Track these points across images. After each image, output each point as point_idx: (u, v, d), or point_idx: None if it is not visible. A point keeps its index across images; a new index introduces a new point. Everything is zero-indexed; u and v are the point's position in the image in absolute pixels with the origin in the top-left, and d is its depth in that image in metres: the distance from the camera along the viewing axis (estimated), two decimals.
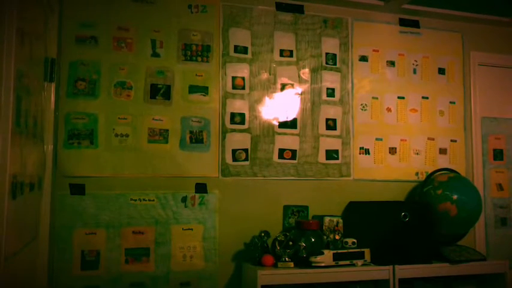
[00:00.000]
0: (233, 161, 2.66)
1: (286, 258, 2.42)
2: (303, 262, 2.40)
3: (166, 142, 2.56)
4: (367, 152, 2.90)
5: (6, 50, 1.46)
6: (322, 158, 2.81)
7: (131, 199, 2.48)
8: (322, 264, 2.37)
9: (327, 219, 2.63)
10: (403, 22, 3.09)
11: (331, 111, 2.86)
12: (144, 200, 2.50)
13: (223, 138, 2.66)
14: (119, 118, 2.51)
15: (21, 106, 1.68)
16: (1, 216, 1.35)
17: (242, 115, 2.70)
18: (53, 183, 2.35)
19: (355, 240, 2.54)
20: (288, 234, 2.49)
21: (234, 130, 2.68)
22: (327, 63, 2.89)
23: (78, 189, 2.42)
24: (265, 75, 2.76)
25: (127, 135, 2.51)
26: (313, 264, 2.37)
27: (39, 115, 2.12)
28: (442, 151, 3.05)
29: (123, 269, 2.43)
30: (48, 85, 2.34)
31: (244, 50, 2.74)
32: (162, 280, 2.48)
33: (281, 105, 2.77)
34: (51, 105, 2.37)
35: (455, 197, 2.67)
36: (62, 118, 2.43)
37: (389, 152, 2.95)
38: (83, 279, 2.38)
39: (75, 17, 2.48)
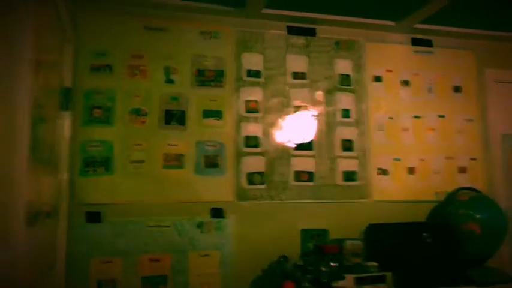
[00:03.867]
0: (249, 184, 2.63)
1: (307, 284, 2.34)
2: (324, 287, 2.33)
3: (182, 167, 2.55)
4: (385, 172, 2.85)
5: (23, 79, 1.47)
6: (339, 179, 2.76)
7: (148, 226, 2.46)
8: None
9: (347, 242, 2.57)
10: (415, 42, 3.08)
11: (347, 132, 2.83)
12: (160, 226, 2.47)
13: (239, 161, 2.63)
14: (134, 144, 2.51)
15: (37, 135, 1.69)
16: (17, 244, 1.33)
17: (257, 138, 2.68)
18: (69, 212, 2.34)
19: (376, 264, 2.47)
20: (307, 258, 2.43)
21: (249, 153, 2.66)
22: (340, 84, 2.87)
23: (94, 217, 2.40)
24: (278, 98, 2.75)
25: (142, 161, 2.50)
26: None
27: (55, 143, 2.12)
28: (462, 170, 2.99)
29: None
30: (64, 114, 2.36)
31: (257, 74, 2.74)
32: None
33: (296, 127, 2.75)
34: (67, 133, 2.39)
35: (478, 216, 2.60)
36: (77, 146, 2.43)
37: (408, 172, 2.89)
38: None
39: (90, 46, 2.52)
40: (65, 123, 2.38)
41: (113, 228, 2.41)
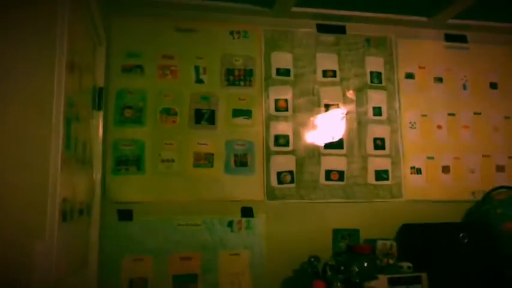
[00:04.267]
0: (278, 183, 2.61)
1: (339, 284, 2.30)
2: (356, 287, 2.29)
3: (212, 166, 2.55)
4: (418, 171, 2.78)
5: (57, 79, 1.50)
6: (371, 178, 2.71)
7: (178, 224, 2.47)
8: None
9: (379, 242, 2.51)
10: (449, 37, 3.00)
11: (379, 131, 2.77)
12: (190, 225, 2.48)
13: (268, 160, 2.62)
14: (165, 144, 2.53)
15: (70, 133, 1.72)
16: (52, 238, 1.35)
17: (286, 137, 2.66)
18: (101, 210, 2.37)
19: (410, 265, 2.40)
20: (339, 258, 2.39)
21: (278, 152, 2.64)
22: (371, 82, 2.82)
23: (125, 215, 2.43)
24: (308, 97, 2.72)
25: (173, 160, 2.52)
26: None
27: (88, 142, 2.16)
28: (500, 168, 2.88)
29: None
30: (96, 113, 2.41)
31: (287, 73, 2.73)
32: None
33: (326, 125, 2.71)
34: (99, 132, 2.43)
35: None
36: (109, 145, 2.47)
37: (442, 171, 2.81)
38: None
39: (122, 48, 2.56)
40: (98, 123, 2.42)
41: (144, 227, 2.43)
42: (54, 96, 1.47)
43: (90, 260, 2.22)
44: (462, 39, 3.01)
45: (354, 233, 2.63)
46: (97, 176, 2.38)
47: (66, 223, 1.57)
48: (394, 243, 2.52)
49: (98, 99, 2.41)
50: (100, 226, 2.35)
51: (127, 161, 2.48)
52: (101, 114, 2.44)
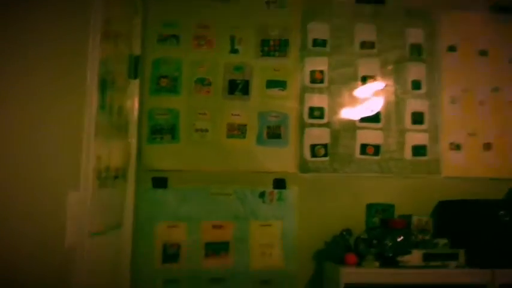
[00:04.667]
0: (312, 156, 2.58)
1: (371, 257, 2.27)
2: (388, 262, 2.24)
3: (244, 137, 2.55)
4: (458, 147, 2.68)
5: (92, 43, 1.52)
6: (408, 153, 2.64)
7: (211, 193, 2.49)
8: (410, 264, 2.19)
9: (415, 218, 2.45)
10: (494, 9, 2.85)
11: (418, 105, 2.69)
12: (223, 194, 2.49)
13: (302, 133, 2.59)
14: (199, 113, 2.54)
15: (105, 97, 1.74)
16: (86, 191, 1.38)
17: (321, 109, 2.62)
18: (136, 177, 2.42)
19: (446, 241, 2.34)
20: (372, 232, 2.35)
21: (312, 125, 2.61)
22: (411, 54, 2.73)
23: (160, 182, 2.47)
24: (345, 69, 2.66)
25: (207, 130, 2.53)
26: (400, 264, 2.20)
27: (123, 109, 2.19)
28: None
29: (203, 263, 2.43)
30: (132, 82, 2.43)
31: (323, 43, 2.67)
32: (242, 277, 2.44)
33: (363, 98, 2.65)
34: (135, 101, 2.46)
35: None
36: (145, 114, 2.50)
37: (484, 148, 2.70)
38: (164, 272, 2.40)
39: (158, 17, 2.57)
40: (134, 92, 2.45)
41: (178, 194, 2.46)
42: (88, 60, 1.49)
43: (125, 223, 2.27)
44: (509, 10, 2.86)
45: (388, 209, 2.58)
46: (132, 143, 2.42)
47: (100, 180, 1.61)
48: (430, 219, 2.46)
49: (134, 68, 2.44)
50: (135, 192, 2.40)
51: (162, 130, 2.51)
52: (136, 83, 2.48)
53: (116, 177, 2.04)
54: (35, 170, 1.07)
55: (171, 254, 2.42)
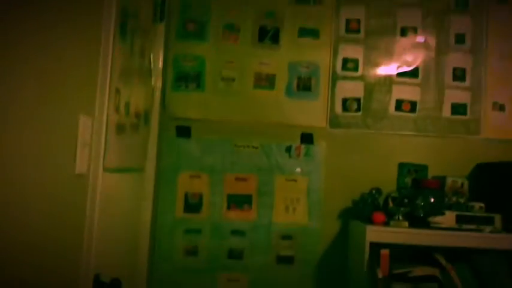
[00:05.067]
0: (343, 111, 2.45)
1: (400, 217, 2.16)
2: (418, 222, 2.13)
3: (272, 88, 2.43)
4: (501, 108, 2.49)
5: None
6: (446, 112, 2.47)
7: (235, 145, 2.41)
8: (443, 226, 2.07)
9: (449, 179, 2.31)
10: None
11: (460, 60, 2.49)
12: (248, 146, 2.41)
13: (333, 86, 2.45)
14: (226, 62, 2.43)
15: (126, 41, 1.65)
16: (100, 117, 1.31)
17: (355, 61, 2.46)
18: (160, 124, 2.35)
19: (482, 205, 2.19)
20: (403, 191, 2.22)
21: (345, 77, 2.46)
22: (456, 5, 2.52)
23: (184, 131, 2.40)
24: (383, 19, 2.48)
25: (233, 79, 2.42)
26: (432, 225, 2.08)
27: (147, 53, 2.11)
28: None
29: (224, 215, 2.38)
30: (158, 26, 2.34)
31: None
32: (263, 230, 2.38)
33: (401, 51, 2.48)
34: (160, 46, 2.37)
35: None
36: (170, 60, 2.42)
37: None
38: (186, 221, 2.36)
39: None
40: (160, 36, 2.36)
41: (202, 144, 2.40)
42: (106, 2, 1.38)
43: (147, 168, 2.23)
44: None
45: (421, 169, 2.44)
46: (157, 89, 2.34)
47: (119, 115, 1.54)
48: (466, 182, 2.32)
49: (160, 10, 2.34)
50: (158, 140, 2.34)
51: (187, 78, 2.42)
52: (162, 27, 2.38)
53: (137, 120, 1.99)
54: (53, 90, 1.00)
55: (193, 204, 2.37)
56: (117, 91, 1.49)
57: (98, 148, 1.27)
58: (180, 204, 2.37)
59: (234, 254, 2.36)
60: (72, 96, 1.14)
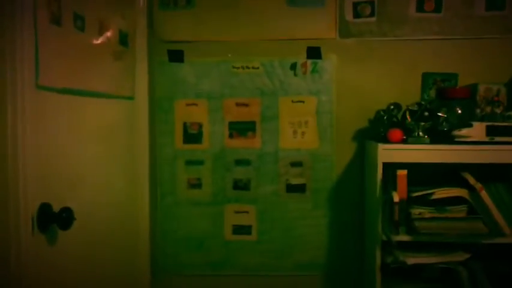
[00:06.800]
0: (354, 17, 2.12)
1: (420, 133, 1.86)
2: (442, 137, 1.83)
3: None
4: None
5: None
6: (479, 8, 2.07)
7: (233, 67, 2.17)
8: (469, 140, 1.76)
9: (482, 87, 1.97)
10: None
11: None
12: (247, 67, 2.16)
13: None
14: None
15: None
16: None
17: None
18: (149, 49, 2.15)
19: None
20: (423, 103, 1.91)
21: None
22: None
23: (176, 55, 2.18)
24: None
25: None
26: (456, 139, 1.78)
27: None
28: None
29: (227, 144, 2.18)
30: None
31: None
32: (270, 158, 2.17)
33: None
34: None
35: None
36: None
37: None
38: (186, 153, 2.20)
39: None
40: None
41: (197, 69, 2.18)
42: None
43: (138, 96, 2.06)
44: None
45: (450, 78, 2.09)
46: (142, 8, 2.11)
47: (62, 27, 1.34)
48: (504, 88, 1.96)
49: None
50: (149, 67, 2.15)
51: None
52: None
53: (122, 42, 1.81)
54: None
55: (192, 134, 2.19)
56: None
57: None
58: (178, 135, 2.19)
59: (240, 185, 2.18)
60: None
